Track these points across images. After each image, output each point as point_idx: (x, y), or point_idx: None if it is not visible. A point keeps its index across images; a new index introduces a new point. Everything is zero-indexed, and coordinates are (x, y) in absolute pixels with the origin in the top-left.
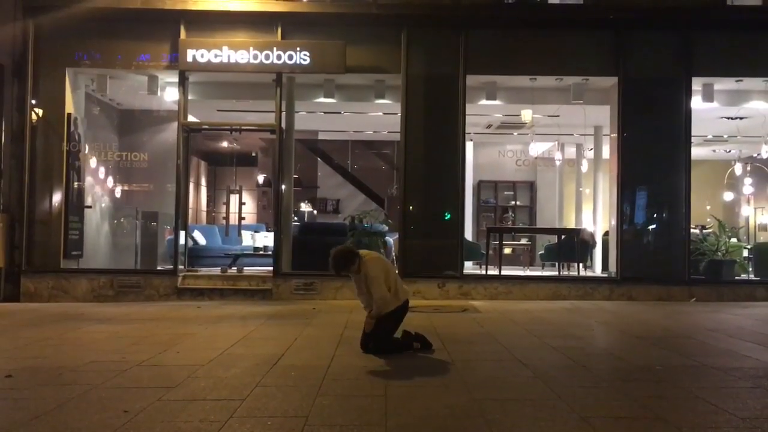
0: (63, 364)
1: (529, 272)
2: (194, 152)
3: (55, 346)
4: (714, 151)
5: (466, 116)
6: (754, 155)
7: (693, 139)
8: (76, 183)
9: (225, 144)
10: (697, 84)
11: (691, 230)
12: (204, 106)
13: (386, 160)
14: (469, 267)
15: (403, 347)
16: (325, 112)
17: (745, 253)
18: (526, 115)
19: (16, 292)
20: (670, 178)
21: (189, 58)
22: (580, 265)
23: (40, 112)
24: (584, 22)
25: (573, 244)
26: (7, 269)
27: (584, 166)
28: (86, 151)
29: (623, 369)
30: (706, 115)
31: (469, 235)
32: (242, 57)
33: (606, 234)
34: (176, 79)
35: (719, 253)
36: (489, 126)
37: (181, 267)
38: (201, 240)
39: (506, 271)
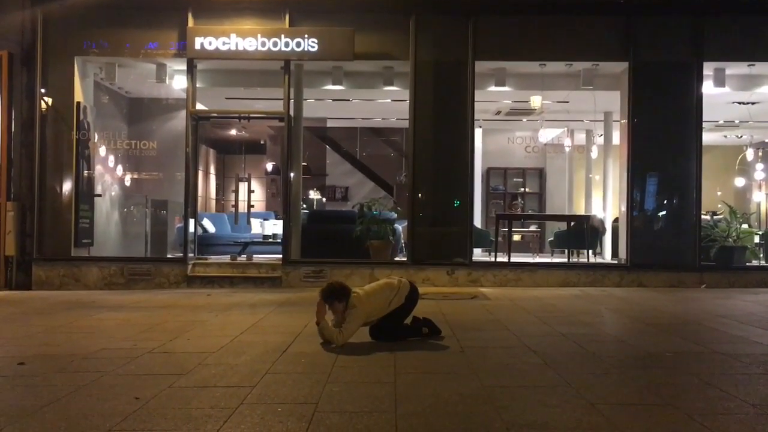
0: (74, 352)
1: (538, 259)
2: (203, 140)
3: (66, 334)
4: (725, 136)
5: (475, 103)
6: (766, 140)
7: (704, 125)
8: (85, 171)
9: (234, 132)
10: (708, 69)
11: (702, 216)
12: (212, 93)
13: (395, 148)
14: (478, 254)
15: (413, 333)
16: (333, 100)
17: (757, 240)
18: (536, 101)
19: (28, 280)
20: (681, 164)
21: (197, 46)
22: (590, 251)
23: (49, 100)
24: (595, 7)
25: (583, 231)
26: (19, 257)
27: (594, 153)
28: (95, 140)
29: (633, 356)
30: (718, 100)
31: (478, 222)
32: (250, 44)
33: (616, 220)
34: (184, 67)
35: (730, 240)
36: (498, 112)
37: (190, 255)
38: (210, 228)
39: (515, 258)
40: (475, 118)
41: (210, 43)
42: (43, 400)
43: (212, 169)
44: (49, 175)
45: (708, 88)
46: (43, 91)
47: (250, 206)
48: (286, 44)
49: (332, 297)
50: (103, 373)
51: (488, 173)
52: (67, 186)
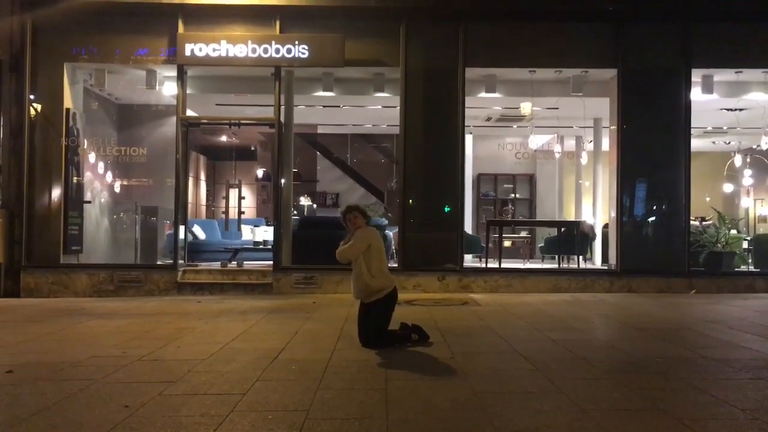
0: (64, 359)
1: (529, 265)
2: (193, 147)
3: (55, 341)
4: (714, 142)
5: (466, 109)
6: (754, 146)
7: (693, 131)
8: (75, 178)
9: (224, 138)
10: (696, 75)
11: (691, 222)
12: (202, 100)
13: (385, 154)
14: (469, 260)
15: (402, 339)
16: (324, 106)
17: (745, 245)
18: (526, 107)
19: (16, 287)
20: (670, 170)
21: (187, 52)
22: (580, 257)
23: (38, 107)
24: (584, 14)
25: (573, 237)
26: (7, 265)
27: (584, 159)
28: (85, 146)
29: (623, 361)
30: (706, 106)
31: (468, 228)
32: (240, 51)
33: (606, 226)
34: (174, 74)
35: (719, 245)
36: (488, 119)
37: (180, 262)
38: (201, 234)
39: (506, 264)
40: (466, 124)
41: (200, 50)
42: (31, 409)
43: (202, 176)
44: (38, 182)
45: (696, 94)
46: (32, 97)
47: (240, 213)
48: (277, 50)
49: (357, 210)
50: (92, 381)
51: (479, 179)
52: (56, 193)
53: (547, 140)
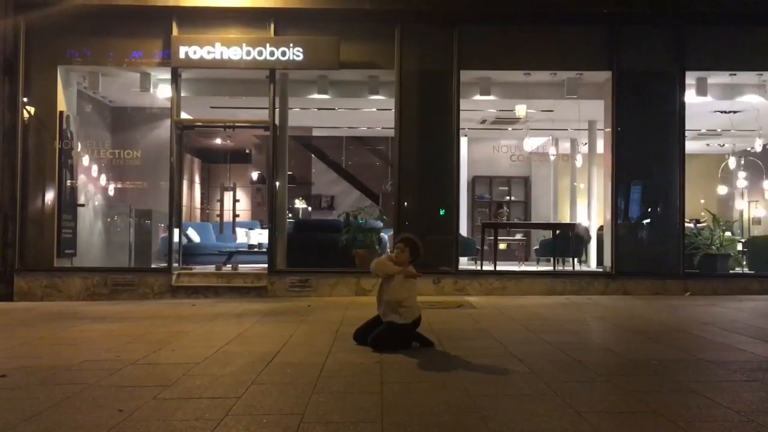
0: (57, 364)
1: (524, 267)
2: (188, 149)
3: (49, 346)
4: (708, 145)
5: (461, 112)
6: (748, 149)
7: (687, 133)
8: (68, 181)
9: (218, 141)
10: (690, 78)
11: (686, 224)
12: (197, 102)
13: (380, 156)
14: (464, 263)
15: (403, 345)
16: (318, 109)
17: (740, 247)
18: (521, 110)
19: (10, 291)
20: (665, 172)
21: (181, 55)
22: (575, 260)
23: (31, 110)
24: (578, 17)
25: (568, 239)
26: (0, 268)
27: (578, 161)
28: (79, 149)
29: (619, 363)
30: (700, 109)
31: (464, 230)
32: (235, 53)
33: (601, 229)
34: (169, 76)
35: (713, 247)
36: (483, 121)
37: (175, 265)
38: (195, 238)
39: (501, 267)
40: (461, 126)
41: (195, 52)
42: (25, 414)
43: (197, 179)
44: (32, 185)
45: (690, 97)
46: (25, 100)
47: (235, 215)
48: (272, 53)
49: (403, 242)
50: (86, 385)
51: (474, 182)
52: (50, 196)
53: (542, 143)
